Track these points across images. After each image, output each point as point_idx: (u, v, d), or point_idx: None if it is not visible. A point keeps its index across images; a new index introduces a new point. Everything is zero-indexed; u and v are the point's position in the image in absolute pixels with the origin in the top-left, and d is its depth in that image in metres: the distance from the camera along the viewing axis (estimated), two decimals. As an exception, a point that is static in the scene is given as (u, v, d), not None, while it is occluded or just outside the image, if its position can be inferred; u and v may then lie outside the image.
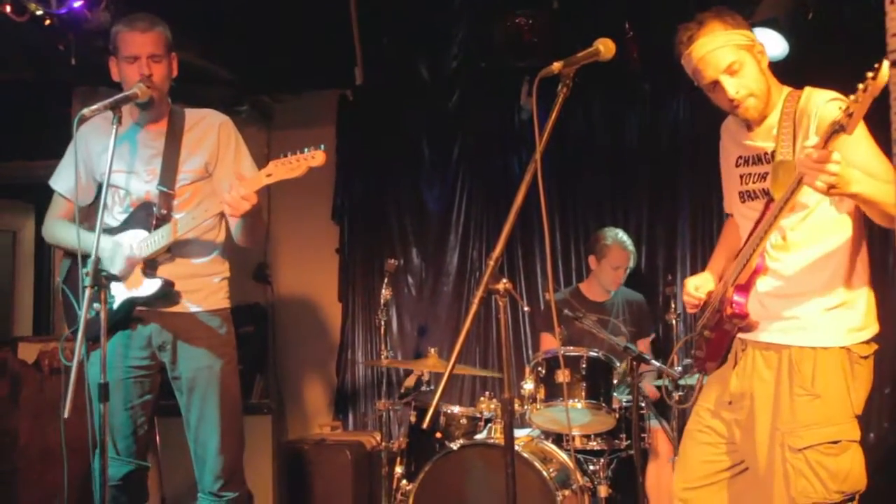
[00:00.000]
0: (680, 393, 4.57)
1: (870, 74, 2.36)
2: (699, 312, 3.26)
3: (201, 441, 3.72)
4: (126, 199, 3.72)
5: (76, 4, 4.64)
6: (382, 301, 5.20)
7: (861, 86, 2.39)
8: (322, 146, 3.33)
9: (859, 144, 2.80)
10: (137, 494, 3.78)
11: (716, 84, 2.95)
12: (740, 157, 3.12)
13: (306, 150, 3.32)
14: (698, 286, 3.22)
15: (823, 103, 2.85)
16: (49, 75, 5.72)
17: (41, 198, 7.27)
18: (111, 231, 3.69)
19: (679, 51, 3.01)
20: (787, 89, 3.02)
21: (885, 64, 2.33)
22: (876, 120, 2.88)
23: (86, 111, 3.25)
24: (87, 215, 3.80)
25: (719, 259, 3.35)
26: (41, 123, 6.24)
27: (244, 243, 3.83)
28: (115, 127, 3.30)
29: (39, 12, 4.60)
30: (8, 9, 4.53)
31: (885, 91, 2.39)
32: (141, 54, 3.59)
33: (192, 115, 3.84)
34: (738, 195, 3.14)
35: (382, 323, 5.20)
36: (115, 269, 3.61)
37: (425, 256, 6.62)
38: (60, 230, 3.81)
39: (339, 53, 6.19)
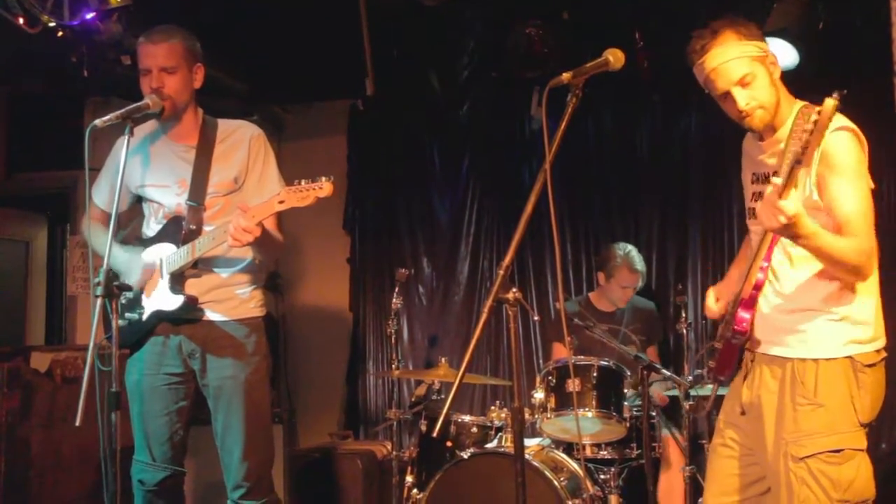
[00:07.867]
0: (691, 402, 4.55)
1: (818, 109, 2.48)
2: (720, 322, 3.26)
3: (227, 449, 3.73)
4: (160, 212, 3.74)
5: (88, 16, 4.66)
6: (393, 310, 5.20)
7: (811, 124, 2.47)
8: (331, 177, 3.32)
9: (840, 185, 2.80)
10: (173, 499, 3.79)
11: (727, 95, 2.95)
12: (754, 174, 3.12)
13: (322, 179, 3.29)
14: (718, 297, 3.23)
15: (829, 132, 2.74)
16: (61, 87, 5.76)
17: (53, 208, 7.37)
18: (145, 242, 3.73)
19: (691, 59, 2.99)
20: (799, 103, 3.00)
21: (829, 101, 2.47)
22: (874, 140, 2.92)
23: (98, 122, 3.26)
24: (125, 223, 3.88)
25: (734, 272, 3.35)
26: (53, 135, 6.28)
27: (258, 260, 3.85)
28: (126, 137, 3.31)
29: (52, 24, 4.63)
30: (21, 21, 4.55)
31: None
32: (152, 67, 3.58)
33: (224, 126, 3.82)
34: (747, 212, 3.15)
35: (393, 332, 5.21)
36: (131, 280, 3.63)
37: (436, 266, 6.63)
38: (95, 237, 3.82)
39: (350, 64, 6.20)
